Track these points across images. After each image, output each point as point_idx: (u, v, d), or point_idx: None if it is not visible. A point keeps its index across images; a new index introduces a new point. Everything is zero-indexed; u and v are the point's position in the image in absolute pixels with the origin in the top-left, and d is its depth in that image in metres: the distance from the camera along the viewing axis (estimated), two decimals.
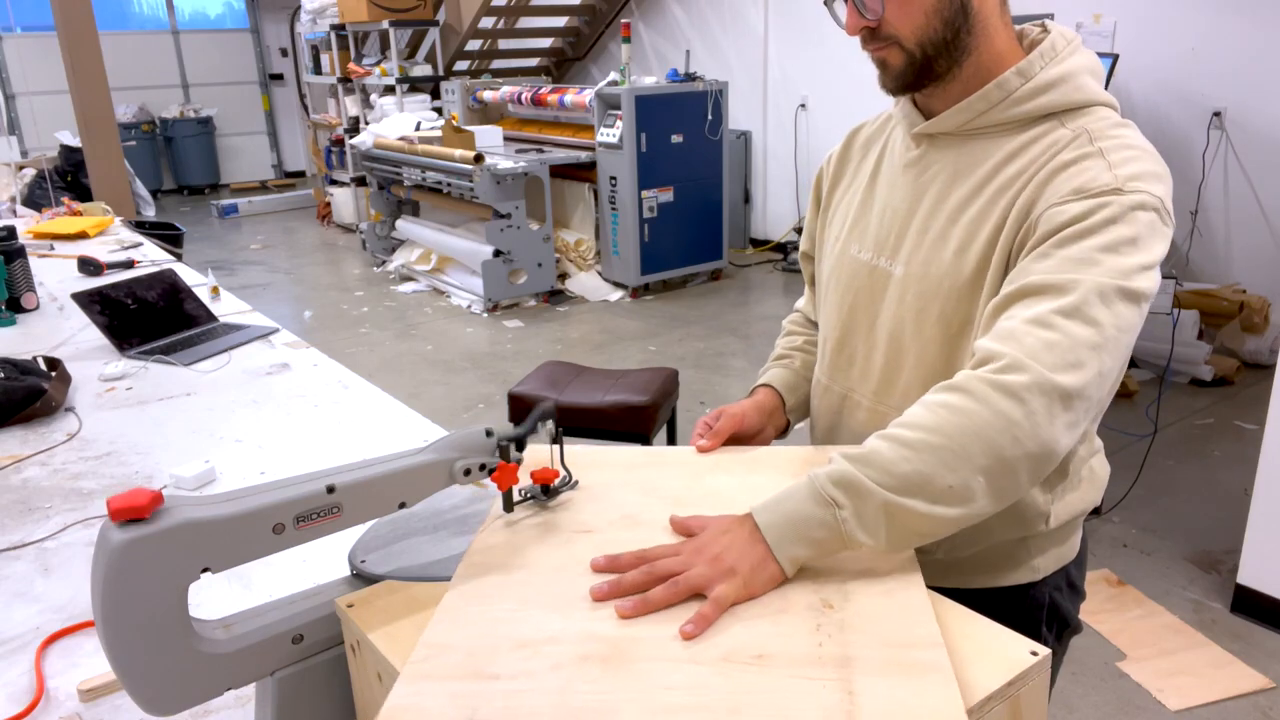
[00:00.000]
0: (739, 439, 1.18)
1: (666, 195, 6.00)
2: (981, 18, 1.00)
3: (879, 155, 1.18)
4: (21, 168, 6.41)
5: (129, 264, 3.14)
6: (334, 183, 8.66)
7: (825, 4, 1.05)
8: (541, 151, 6.24)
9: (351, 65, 7.84)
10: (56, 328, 2.51)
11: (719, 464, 1.11)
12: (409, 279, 6.58)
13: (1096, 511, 3.16)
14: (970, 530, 0.92)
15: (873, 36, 1.01)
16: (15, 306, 2.61)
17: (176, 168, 10.88)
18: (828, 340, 1.22)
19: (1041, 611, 1.17)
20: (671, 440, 3.02)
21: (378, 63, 7.67)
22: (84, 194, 5.47)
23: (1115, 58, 3.85)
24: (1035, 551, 1.13)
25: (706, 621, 0.79)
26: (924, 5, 0.98)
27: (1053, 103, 1.01)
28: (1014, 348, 0.88)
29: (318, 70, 8.76)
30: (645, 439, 2.76)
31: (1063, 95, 1.01)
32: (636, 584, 0.84)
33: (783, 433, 1.28)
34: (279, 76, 11.52)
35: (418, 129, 6.65)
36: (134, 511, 0.76)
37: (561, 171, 6.20)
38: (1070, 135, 0.99)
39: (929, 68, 1.01)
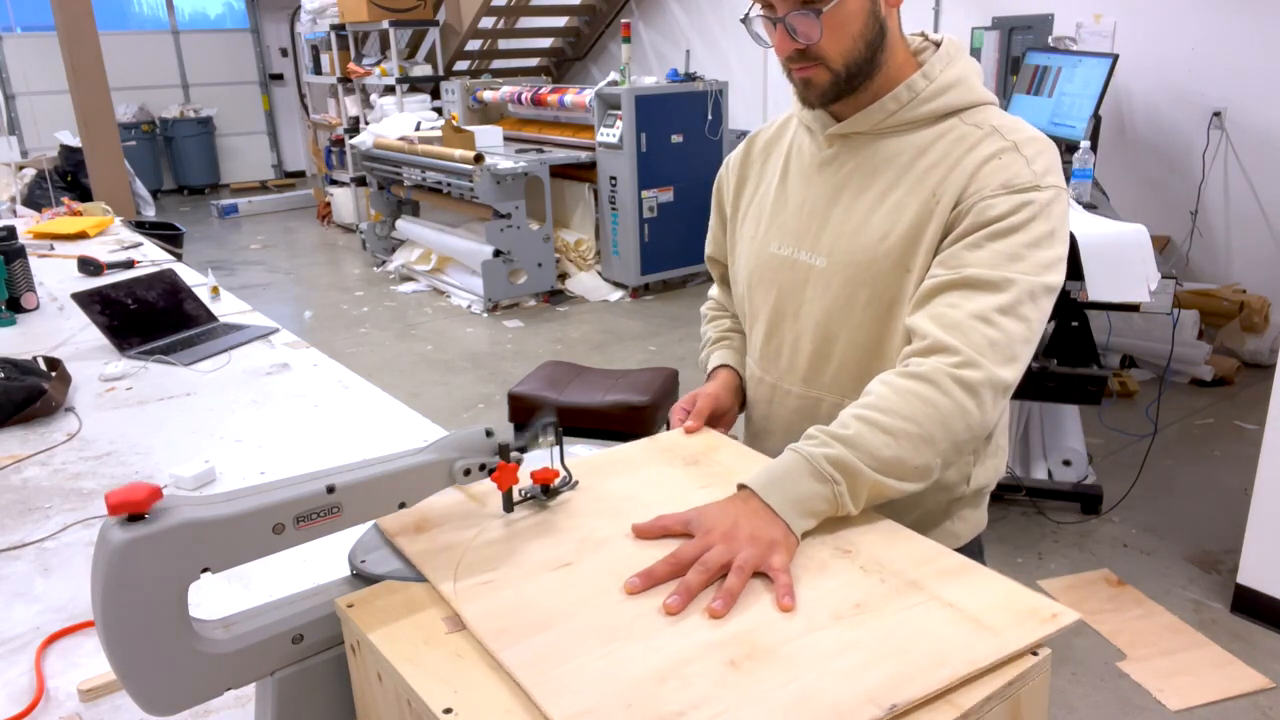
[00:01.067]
0: (715, 418, 1.27)
1: (666, 195, 6.00)
2: (890, 36, 1.11)
3: (785, 157, 1.27)
4: (21, 168, 6.42)
5: (129, 264, 3.14)
6: (334, 183, 8.66)
7: (743, 23, 1.13)
8: (541, 151, 6.24)
9: (351, 65, 7.84)
10: (56, 328, 2.51)
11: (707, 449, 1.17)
12: (409, 279, 6.58)
13: (1096, 512, 3.16)
14: (903, 501, 1.03)
15: (801, 57, 1.09)
16: (15, 306, 2.61)
17: (176, 168, 10.88)
18: (756, 334, 1.30)
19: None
20: None
21: (378, 63, 7.68)
22: (84, 194, 5.48)
23: (1115, 58, 3.84)
24: (957, 518, 1.24)
25: (788, 589, 0.85)
26: (852, 31, 1.07)
27: (952, 102, 1.13)
28: (962, 341, 1.01)
29: (318, 70, 8.76)
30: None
31: (959, 95, 1.14)
32: (702, 583, 0.87)
33: (741, 408, 1.36)
34: (279, 76, 11.52)
35: (418, 129, 6.65)
36: (132, 506, 0.76)
37: (561, 171, 6.20)
38: (979, 131, 1.11)
39: (849, 84, 1.11)
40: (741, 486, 0.98)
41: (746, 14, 1.12)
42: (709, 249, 1.45)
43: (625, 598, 0.85)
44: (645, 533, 0.95)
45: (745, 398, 1.36)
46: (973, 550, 1.27)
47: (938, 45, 1.17)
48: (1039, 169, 1.07)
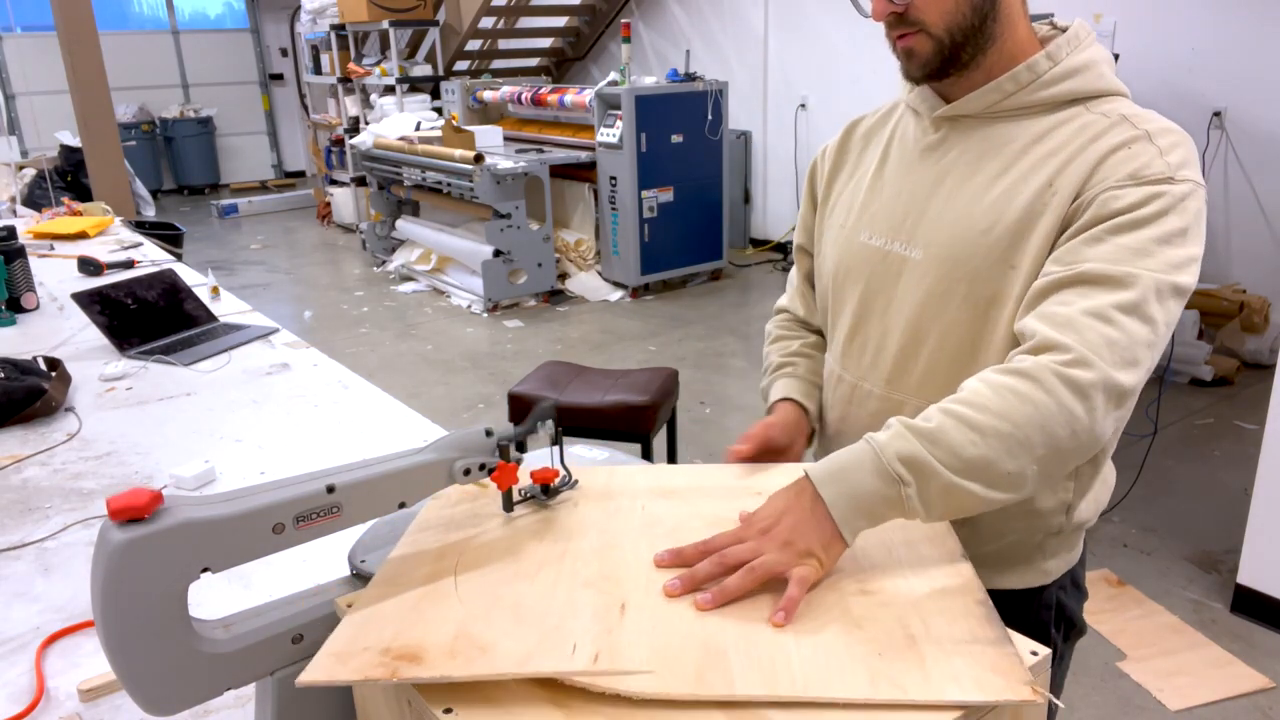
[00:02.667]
0: (771, 454, 1.14)
1: (666, 195, 6.00)
2: (1006, 5, 1.00)
3: (886, 144, 1.16)
4: (21, 168, 6.41)
5: (129, 264, 3.14)
6: (334, 183, 8.66)
7: None
8: (541, 151, 6.24)
9: (351, 65, 7.84)
10: (56, 328, 2.51)
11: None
12: (409, 279, 6.58)
13: None
14: (988, 527, 0.94)
15: (899, 22, 1.00)
16: (15, 306, 2.61)
17: (176, 168, 10.88)
18: (840, 329, 1.20)
19: (1050, 613, 1.16)
20: (671, 440, 3.02)
21: (378, 63, 7.68)
22: (84, 194, 5.47)
23: (1115, 58, 3.85)
24: (1049, 553, 1.13)
25: (795, 605, 0.80)
26: None
27: (1078, 88, 1.02)
28: (1074, 339, 0.89)
29: (318, 70, 8.76)
30: (645, 439, 2.76)
31: (1087, 81, 1.02)
32: (710, 575, 0.83)
33: (811, 440, 1.25)
34: (279, 76, 11.52)
35: (418, 129, 6.65)
36: (134, 511, 0.76)
37: (561, 171, 6.20)
38: (1105, 120, 0.99)
39: (955, 55, 1.01)
40: (805, 474, 0.90)
41: None
42: (798, 238, 1.33)
43: (625, 596, 0.85)
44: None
45: (812, 433, 1.24)
46: (1064, 585, 1.16)
47: (1065, 31, 1.06)
48: (1174, 160, 0.95)
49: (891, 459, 0.87)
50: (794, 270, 1.37)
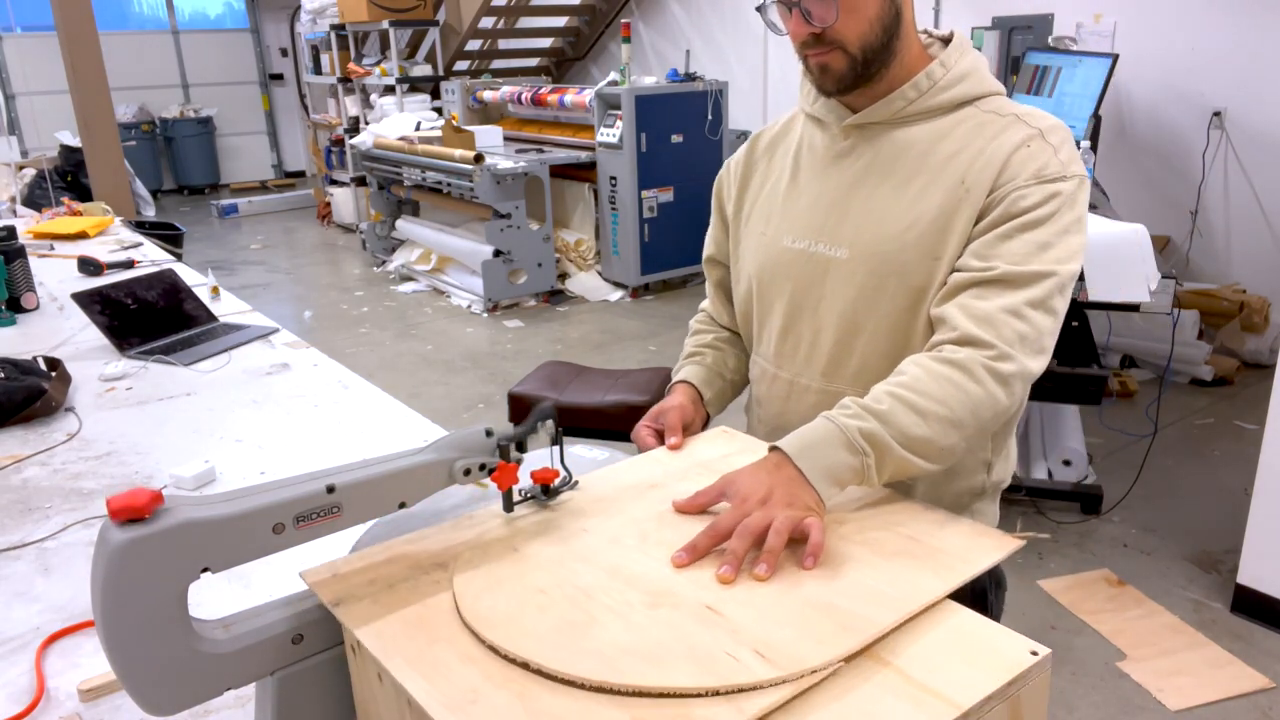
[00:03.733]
0: (683, 424, 1.27)
1: (666, 195, 6.00)
2: (905, 24, 1.12)
3: (795, 153, 1.26)
4: (21, 168, 6.41)
5: (129, 264, 3.14)
6: (334, 183, 8.66)
7: (758, 10, 1.13)
8: (541, 151, 6.24)
9: (351, 65, 7.84)
10: (56, 328, 2.51)
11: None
12: (409, 279, 6.58)
13: (1096, 511, 3.16)
14: (923, 497, 1.08)
15: (817, 41, 1.09)
16: (15, 306, 2.61)
17: (176, 168, 10.88)
18: (770, 329, 1.28)
19: (988, 577, 1.18)
20: None
21: (378, 63, 7.67)
22: (84, 194, 5.47)
23: (1115, 58, 3.84)
24: (975, 513, 1.26)
25: (820, 548, 0.90)
26: (869, 14, 1.08)
27: (967, 91, 1.15)
28: (994, 335, 1.04)
29: (318, 70, 8.76)
30: None
31: (974, 84, 1.15)
32: (746, 548, 0.89)
33: (705, 424, 1.34)
34: (279, 76, 11.52)
35: (418, 129, 6.65)
36: (134, 511, 0.76)
37: (561, 171, 6.20)
38: (999, 119, 1.13)
39: (866, 70, 1.11)
40: (773, 449, 1.00)
41: (762, 2, 1.12)
42: (708, 250, 1.44)
43: (626, 595, 0.85)
44: (685, 508, 0.99)
45: (707, 416, 1.36)
46: None
47: (945, 41, 1.19)
48: (1064, 158, 1.09)
49: (855, 435, 0.99)
50: (708, 280, 1.47)
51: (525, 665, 0.75)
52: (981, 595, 1.21)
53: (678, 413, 1.26)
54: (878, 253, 1.14)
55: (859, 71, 1.11)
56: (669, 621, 0.80)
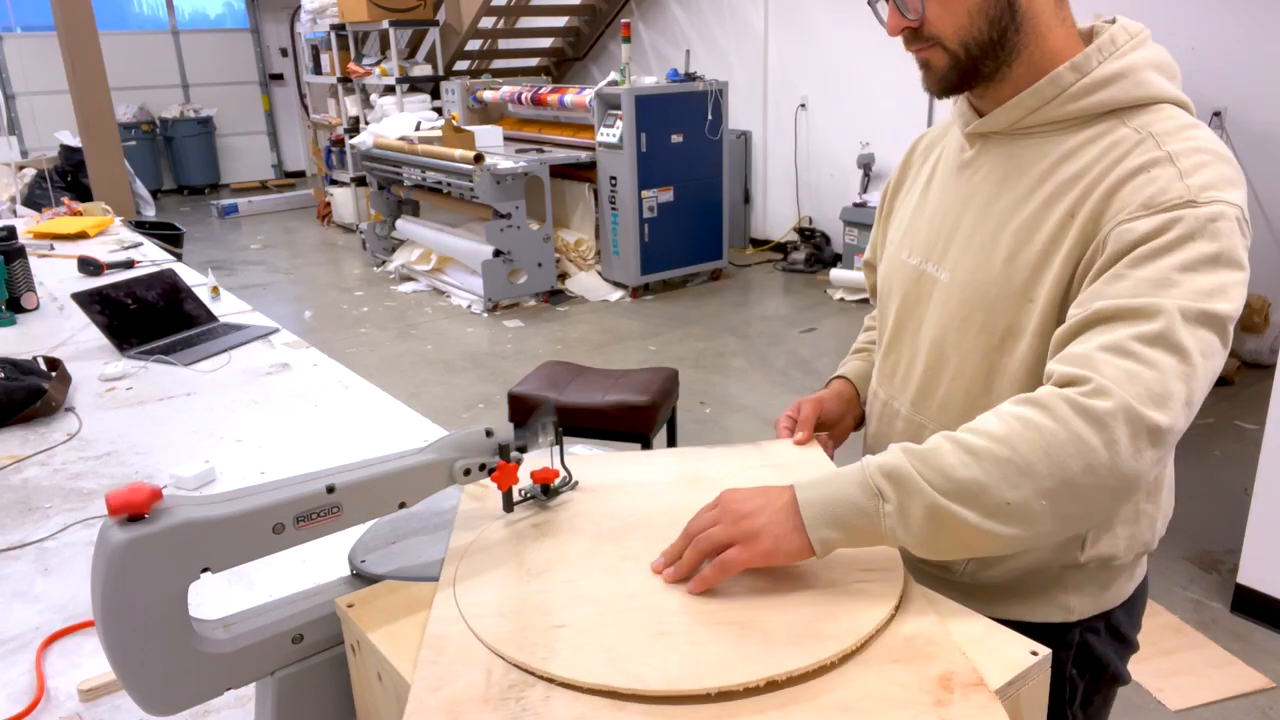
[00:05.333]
0: (821, 426, 1.20)
1: (666, 195, 6.00)
2: (1031, 15, 0.95)
3: (936, 159, 1.16)
4: (21, 168, 6.42)
5: (129, 264, 3.14)
6: (334, 183, 8.66)
7: (869, 3, 1.00)
8: (541, 151, 6.24)
9: (351, 65, 7.84)
10: (56, 328, 2.51)
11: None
12: (409, 279, 6.58)
13: None
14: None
15: (915, 37, 0.98)
16: (15, 306, 2.61)
17: (176, 168, 10.88)
18: (880, 345, 1.20)
19: (1069, 653, 1.09)
20: (671, 441, 3.02)
21: (378, 63, 7.67)
22: (84, 194, 5.47)
23: None
24: (1070, 588, 1.06)
25: (705, 584, 0.83)
26: (967, 5, 0.94)
27: (1112, 99, 0.95)
28: (1089, 371, 0.82)
29: (318, 70, 8.76)
30: (645, 439, 2.76)
31: (1122, 91, 0.95)
32: (692, 564, 0.86)
33: (860, 422, 1.28)
34: (279, 76, 11.52)
35: (418, 129, 6.65)
36: (133, 507, 0.76)
37: (561, 171, 6.20)
38: (1134, 136, 0.93)
39: (974, 69, 0.98)
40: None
41: None
42: (867, 253, 1.34)
43: (628, 593, 0.85)
44: (656, 567, 0.90)
45: (863, 414, 1.26)
46: (1094, 628, 1.10)
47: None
48: (1197, 182, 0.88)
49: (874, 472, 0.84)
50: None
51: (530, 671, 0.75)
52: (1059, 668, 1.07)
53: (813, 405, 1.18)
54: (973, 282, 1.01)
55: (964, 70, 0.97)
56: (651, 623, 0.80)
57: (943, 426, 0.94)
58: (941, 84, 1.00)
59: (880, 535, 0.83)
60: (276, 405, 1.97)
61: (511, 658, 0.76)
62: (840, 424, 1.23)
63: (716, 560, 0.83)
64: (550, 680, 0.73)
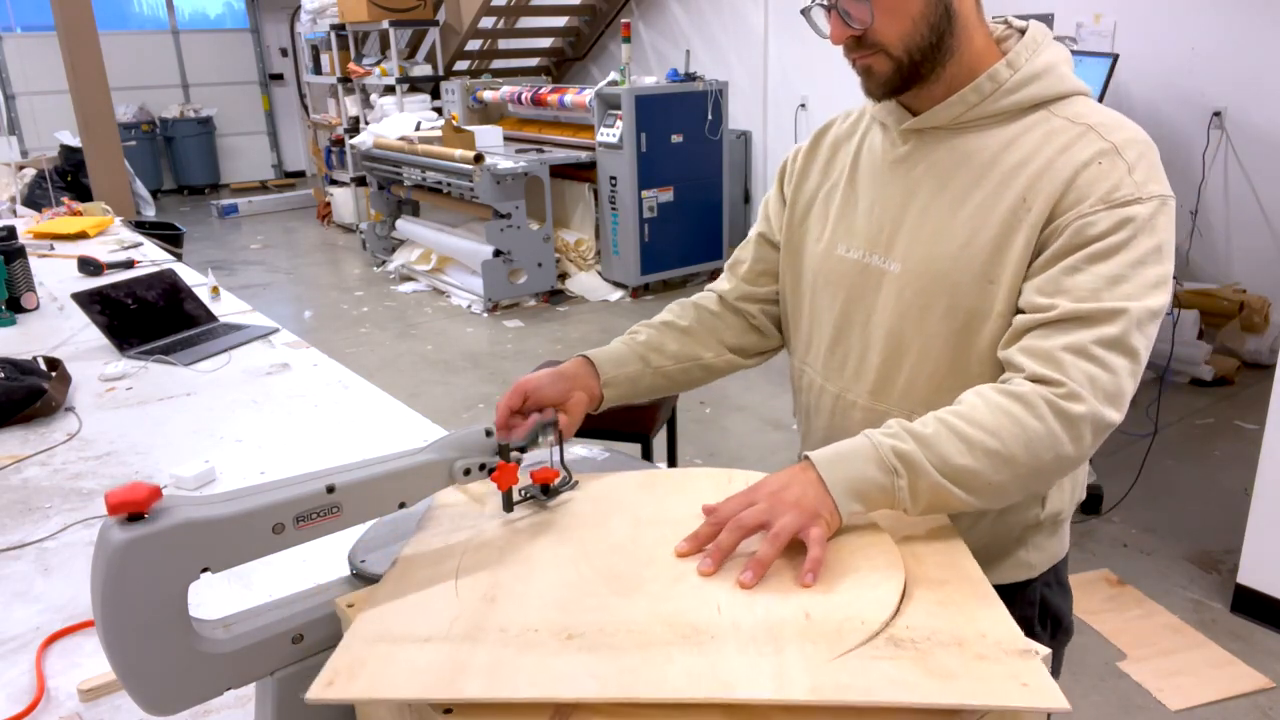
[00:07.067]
0: (542, 404, 1.09)
1: (666, 195, 6.00)
2: (962, 19, 1.01)
3: (854, 155, 1.18)
4: (21, 168, 6.42)
5: (129, 264, 3.14)
6: (334, 183, 8.66)
7: (803, 14, 1.04)
8: (541, 151, 6.24)
9: (351, 65, 7.84)
10: (56, 328, 2.51)
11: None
12: (409, 279, 6.58)
13: (1096, 511, 3.16)
14: (960, 517, 0.98)
15: (858, 45, 1.02)
16: (15, 306, 2.61)
17: (176, 168, 10.88)
18: (819, 341, 1.21)
19: (1034, 610, 1.17)
20: (671, 441, 3.02)
21: (378, 63, 7.67)
22: (84, 194, 5.47)
23: (1115, 58, 3.85)
24: (1030, 546, 1.15)
25: (819, 564, 0.85)
26: (911, 12, 0.99)
27: (1040, 93, 1.03)
28: (1060, 373, 0.93)
29: (318, 70, 8.76)
30: (645, 439, 2.75)
31: (1048, 85, 1.04)
32: (733, 542, 0.88)
33: (598, 403, 1.18)
34: (279, 76, 11.52)
35: (418, 129, 6.65)
36: (132, 506, 0.76)
37: (561, 171, 6.20)
38: (1073, 128, 1.01)
39: (915, 72, 1.02)
40: (805, 457, 0.95)
41: (807, 5, 1.03)
42: (760, 226, 1.29)
43: (628, 594, 0.85)
44: (683, 551, 0.91)
45: (603, 391, 1.18)
46: (1049, 581, 1.19)
47: (1022, 32, 1.07)
48: (1140, 176, 0.97)
49: (889, 453, 0.92)
50: (738, 252, 1.32)
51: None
52: (1028, 628, 1.10)
53: (519, 390, 1.08)
54: (929, 270, 1.06)
55: (906, 74, 1.02)
56: (657, 624, 0.80)
57: (906, 412, 1.05)
58: (885, 88, 1.05)
59: (891, 504, 0.93)
60: (276, 405, 1.97)
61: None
62: (569, 401, 1.12)
63: (770, 534, 0.86)
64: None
